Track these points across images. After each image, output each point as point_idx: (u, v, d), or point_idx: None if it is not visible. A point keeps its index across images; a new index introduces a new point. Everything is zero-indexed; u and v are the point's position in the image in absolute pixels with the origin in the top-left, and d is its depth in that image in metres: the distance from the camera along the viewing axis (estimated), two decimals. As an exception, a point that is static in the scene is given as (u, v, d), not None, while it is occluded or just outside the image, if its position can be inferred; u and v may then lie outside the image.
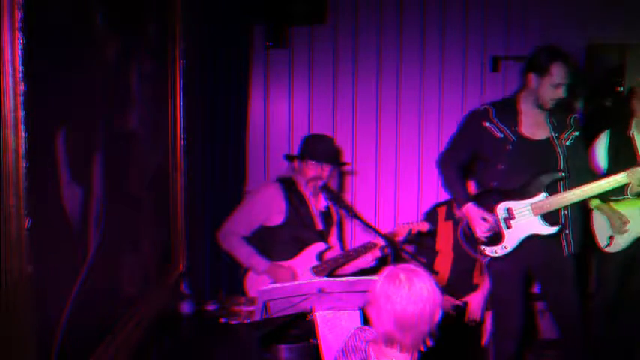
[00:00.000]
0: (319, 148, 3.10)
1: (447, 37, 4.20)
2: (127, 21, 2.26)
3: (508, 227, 2.92)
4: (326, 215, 3.24)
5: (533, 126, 2.92)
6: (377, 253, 3.09)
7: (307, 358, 2.58)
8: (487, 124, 2.92)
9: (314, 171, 3.07)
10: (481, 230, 2.92)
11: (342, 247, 3.41)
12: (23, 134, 1.42)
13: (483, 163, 3.02)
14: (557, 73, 2.81)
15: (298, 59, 4.13)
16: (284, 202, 3.08)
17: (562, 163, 2.88)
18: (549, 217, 2.89)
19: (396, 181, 4.27)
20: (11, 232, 1.42)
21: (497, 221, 2.93)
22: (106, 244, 2.00)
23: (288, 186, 3.13)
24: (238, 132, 3.83)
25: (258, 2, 3.68)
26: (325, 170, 3.08)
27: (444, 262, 3.67)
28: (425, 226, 3.17)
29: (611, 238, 3.44)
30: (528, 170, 2.88)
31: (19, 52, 1.40)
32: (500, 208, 2.93)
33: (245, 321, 2.68)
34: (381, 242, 3.03)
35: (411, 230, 3.12)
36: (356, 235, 4.21)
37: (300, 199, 3.12)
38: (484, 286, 3.67)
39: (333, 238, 3.31)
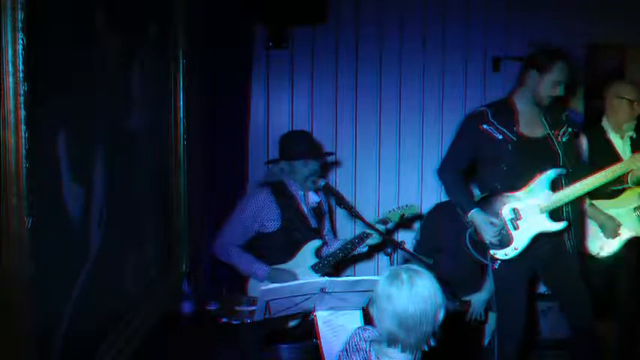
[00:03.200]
0: (303, 147, 3.10)
1: (448, 36, 4.19)
2: (127, 21, 2.26)
3: (516, 228, 2.90)
4: (316, 210, 3.24)
5: (531, 124, 2.93)
6: (370, 241, 3.09)
7: (307, 358, 2.58)
8: (484, 127, 2.92)
9: (304, 170, 3.08)
10: (489, 235, 2.88)
11: (334, 236, 3.42)
12: (23, 134, 1.42)
13: (484, 166, 3.01)
14: (559, 71, 2.84)
15: (299, 59, 4.12)
16: (276, 208, 3.07)
17: (561, 159, 2.89)
18: (554, 214, 2.90)
19: (397, 180, 4.27)
20: (12, 231, 1.42)
21: (504, 223, 2.91)
22: (106, 244, 1.99)
23: (277, 190, 3.12)
24: (239, 132, 3.83)
25: (259, 2, 3.67)
26: (312, 166, 3.09)
27: (445, 261, 3.66)
28: (415, 210, 3.18)
29: (603, 245, 3.40)
30: (530, 169, 2.87)
31: (20, 52, 1.40)
32: (506, 210, 2.91)
33: (245, 321, 2.68)
34: (373, 231, 3.02)
35: (401, 214, 3.12)
36: (356, 234, 4.19)
37: (290, 201, 3.12)
38: (485, 286, 3.67)
39: (325, 230, 3.32)
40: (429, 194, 4.24)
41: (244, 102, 3.86)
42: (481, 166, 3.03)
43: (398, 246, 2.73)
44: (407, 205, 3.18)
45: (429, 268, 3.13)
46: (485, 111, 2.94)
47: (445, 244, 3.69)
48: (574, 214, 2.94)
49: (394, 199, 4.23)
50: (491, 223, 2.88)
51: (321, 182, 3.05)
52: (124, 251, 2.27)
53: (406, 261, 3.40)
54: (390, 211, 3.16)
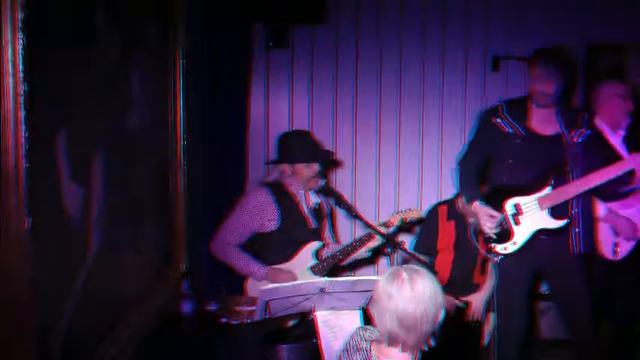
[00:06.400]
0: (306, 150, 3.07)
1: (448, 36, 4.20)
2: (127, 21, 2.26)
3: (517, 223, 2.93)
4: (317, 211, 3.23)
5: (543, 122, 2.95)
6: (371, 244, 3.08)
7: (307, 358, 2.58)
8: (497, 120, 2.99)
9: (306, 171, 3.06)
10: (488, 227, 2.93)
11: (335, 239, 3.40)
12: (23, 134, 1.42)
13: (494, 160, 3.06)
14: (537, 69, 2.87)
15: (299, 59, 4.13)
16: (275, 208, 3.05)
17: (571, 159, 2.89)
18: (559, 213, 2.90)
19: (397, 180, 4.27)
20: (11, 232, 1.42)
21: (505, 218, 2.94)
22: (106, 244, 1.99)
23: (277, 190, 3.10)
24: (238, 132, 3.83)
25: (259, 2, 3.68)
26: (314, 167, 3.06)
27: (445, 261, 3.66)
28: (417, 214, 3.16)
29: (617, 245, 3.34)
30: (537, 165, 2.90)
31: (20, 52, 1.40)
32: (508, 205, 2.94)
33: (245, 321, 2.68)
34: (375, 235, 3.02)
35: (403, 219, 3.12)
36: (356, 234, 4.20)
37: (290, 201, 3.10)
38: (485, 286, 3.66)
39: (326, 232, 3.30)
40: (428, 194, 4.25)
41: (244, 102, 3.86)
42: (491, 160, 3.08)
43: (398, 245, 2.73)
44: (409, 209, 3.17)
45: (430, 267, 3.15)
46: (500, 105, 3.03)
47: (444, 244, 3.69)
48: (583, 216, 2.92)
49: (394, 199, 4.23)
50: (491, 216, 2.91)
51: (321, 182, 3.04)
52: (123, 251, 2.27)
53: (406, 261, 3.41)
54: (391, 215, 3.15)
